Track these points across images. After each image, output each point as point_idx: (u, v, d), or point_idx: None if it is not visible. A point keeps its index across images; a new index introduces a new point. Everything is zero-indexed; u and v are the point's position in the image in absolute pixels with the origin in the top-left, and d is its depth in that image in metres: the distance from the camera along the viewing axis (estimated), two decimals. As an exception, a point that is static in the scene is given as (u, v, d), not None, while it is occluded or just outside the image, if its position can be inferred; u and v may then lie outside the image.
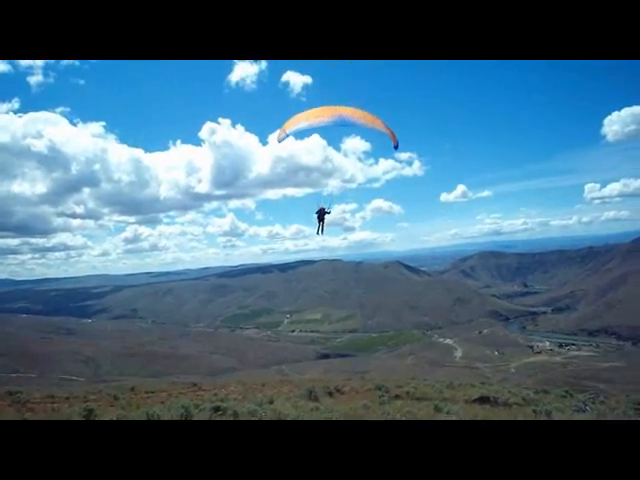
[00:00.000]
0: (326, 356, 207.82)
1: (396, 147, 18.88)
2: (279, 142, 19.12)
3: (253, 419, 11.06)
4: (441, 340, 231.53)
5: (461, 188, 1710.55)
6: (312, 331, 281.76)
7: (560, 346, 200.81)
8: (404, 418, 11.11)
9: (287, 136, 18.77)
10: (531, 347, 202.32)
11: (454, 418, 11.45)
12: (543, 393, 27.96)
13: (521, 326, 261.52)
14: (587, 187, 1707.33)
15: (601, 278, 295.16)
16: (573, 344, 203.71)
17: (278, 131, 18.81)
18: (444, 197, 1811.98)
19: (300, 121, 18.17)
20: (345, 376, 38.62)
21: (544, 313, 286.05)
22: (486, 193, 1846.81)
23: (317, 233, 21.10)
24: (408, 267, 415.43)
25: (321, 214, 20.56)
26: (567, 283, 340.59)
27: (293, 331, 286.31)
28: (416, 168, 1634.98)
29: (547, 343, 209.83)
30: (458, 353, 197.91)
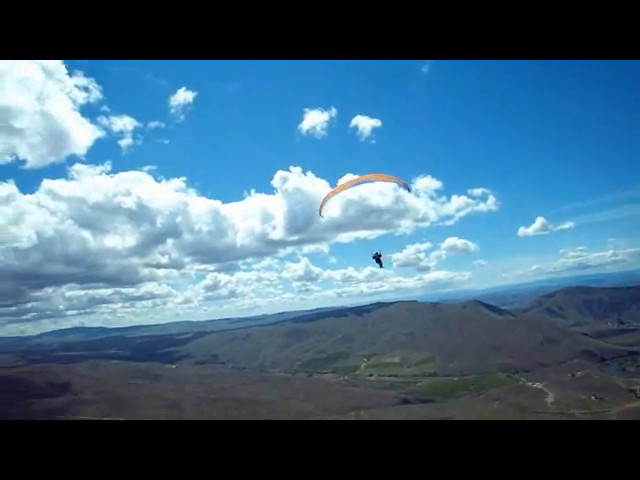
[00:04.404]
0: (406, 401, 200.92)
1: (409, 190, 28.23)
2: (321, 216, 28.78)
3: (254, 419, 10.69)
4: (529, 384, 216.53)
5: (540, 221, 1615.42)
6: (390, 375, 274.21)
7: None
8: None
9: (321, 210, 27.68)
10: (633, 391, 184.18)
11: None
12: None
13: (620, 367, 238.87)
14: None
15: None
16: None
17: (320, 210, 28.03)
18: (522, 231, 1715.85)
19: (328, 198, 26.40)
20: (427, 423, 37.87)
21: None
22: (568, 225, 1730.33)
23: (380, 267, 30.86)
24: (488, 306, 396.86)
25: (377, 257, 29.58)
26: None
27: (371, 375, 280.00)
28: (490, 203, 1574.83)
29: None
30: (549, 398, 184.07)
